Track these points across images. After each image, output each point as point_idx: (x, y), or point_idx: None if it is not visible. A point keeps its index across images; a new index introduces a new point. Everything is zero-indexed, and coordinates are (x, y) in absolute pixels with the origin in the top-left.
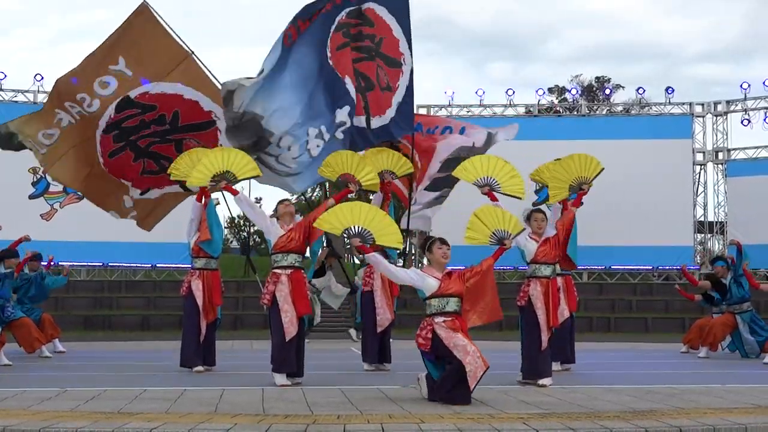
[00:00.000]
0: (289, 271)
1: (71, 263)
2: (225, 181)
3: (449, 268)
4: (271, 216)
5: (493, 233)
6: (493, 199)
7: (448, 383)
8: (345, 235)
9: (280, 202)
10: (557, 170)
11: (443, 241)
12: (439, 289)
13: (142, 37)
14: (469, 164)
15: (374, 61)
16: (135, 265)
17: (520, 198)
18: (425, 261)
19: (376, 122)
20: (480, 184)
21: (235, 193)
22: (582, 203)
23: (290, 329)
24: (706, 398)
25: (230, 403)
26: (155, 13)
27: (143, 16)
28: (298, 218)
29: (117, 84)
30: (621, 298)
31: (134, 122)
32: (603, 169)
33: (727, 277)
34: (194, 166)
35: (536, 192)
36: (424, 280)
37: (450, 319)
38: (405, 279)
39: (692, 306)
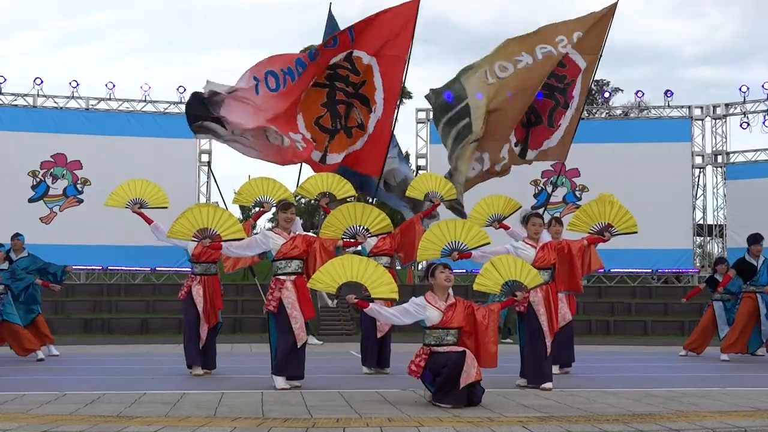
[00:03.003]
0: (293, 277)
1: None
2: (209, 239)
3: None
4: (269, 229)
5: (506, 283)
6: (467, 256)
7: (444, 383)
8: (340, 292)
9: (283, 210)
10: (592, 207)
11: (445, 266)
12: (441, 321)
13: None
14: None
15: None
16: (134, 268)
17: (488, 243)
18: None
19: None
20: (447, 253)
21: (218, 247)
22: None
23: (301, 335)
24: (705, 401)
25: (230, 406)
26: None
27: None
28: (299, 221)
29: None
30: (620, 301)
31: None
32: (636, 233)
33: (759, 258)
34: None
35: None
36: (426, 311)
37: (447, 348)
38: (408, 319)
39: (693, 309)
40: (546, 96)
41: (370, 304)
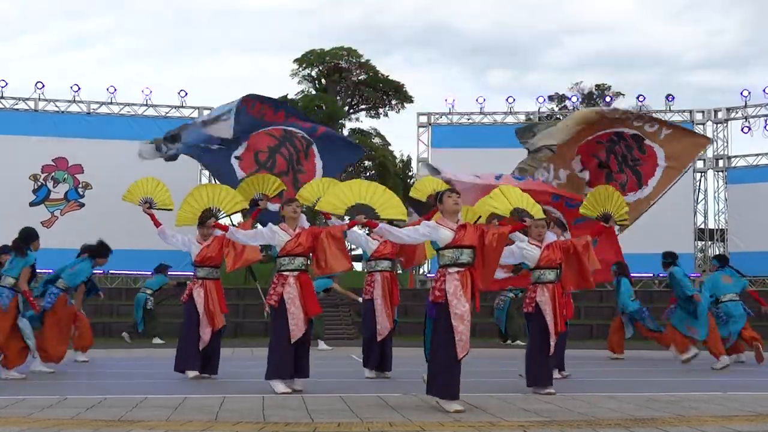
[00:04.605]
0: (296, 273)
1: None
2: (213, 218)
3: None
4: (276, 223)
5: (516, 209)
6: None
7: (439, 375)
8: (349, 215)
9: (288, 204)
10: (601, 192)
11: (453, 190)
12: (454, 240)
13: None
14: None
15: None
16: (136, 273)
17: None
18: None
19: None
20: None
21: (225, 229)
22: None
23: (296, 332)
24: (707, 406)
25: (231, 410)
26: None
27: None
28: (303, 218)
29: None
30: None
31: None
32: (626, 227)
33: None
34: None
35: None
36: (438, 231)
37: (463, 270)
38: (418, 237)
39: None
40: (616, 160)
41: (380, 223)
